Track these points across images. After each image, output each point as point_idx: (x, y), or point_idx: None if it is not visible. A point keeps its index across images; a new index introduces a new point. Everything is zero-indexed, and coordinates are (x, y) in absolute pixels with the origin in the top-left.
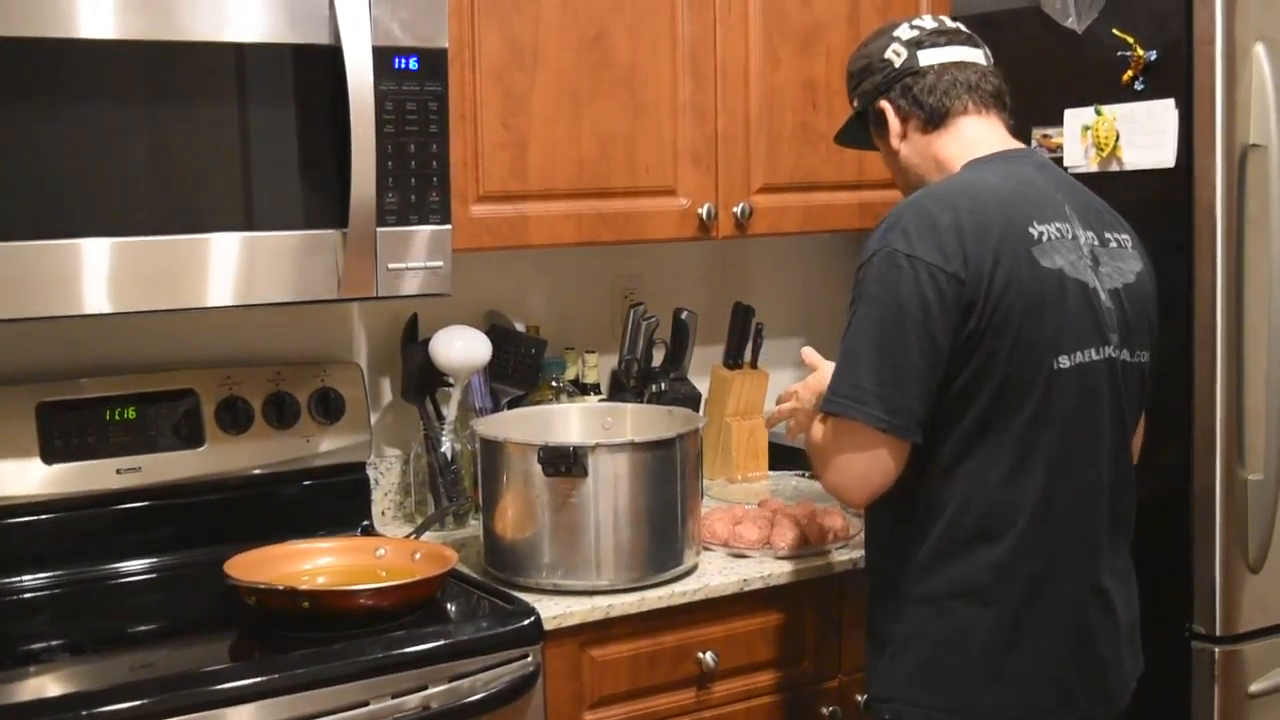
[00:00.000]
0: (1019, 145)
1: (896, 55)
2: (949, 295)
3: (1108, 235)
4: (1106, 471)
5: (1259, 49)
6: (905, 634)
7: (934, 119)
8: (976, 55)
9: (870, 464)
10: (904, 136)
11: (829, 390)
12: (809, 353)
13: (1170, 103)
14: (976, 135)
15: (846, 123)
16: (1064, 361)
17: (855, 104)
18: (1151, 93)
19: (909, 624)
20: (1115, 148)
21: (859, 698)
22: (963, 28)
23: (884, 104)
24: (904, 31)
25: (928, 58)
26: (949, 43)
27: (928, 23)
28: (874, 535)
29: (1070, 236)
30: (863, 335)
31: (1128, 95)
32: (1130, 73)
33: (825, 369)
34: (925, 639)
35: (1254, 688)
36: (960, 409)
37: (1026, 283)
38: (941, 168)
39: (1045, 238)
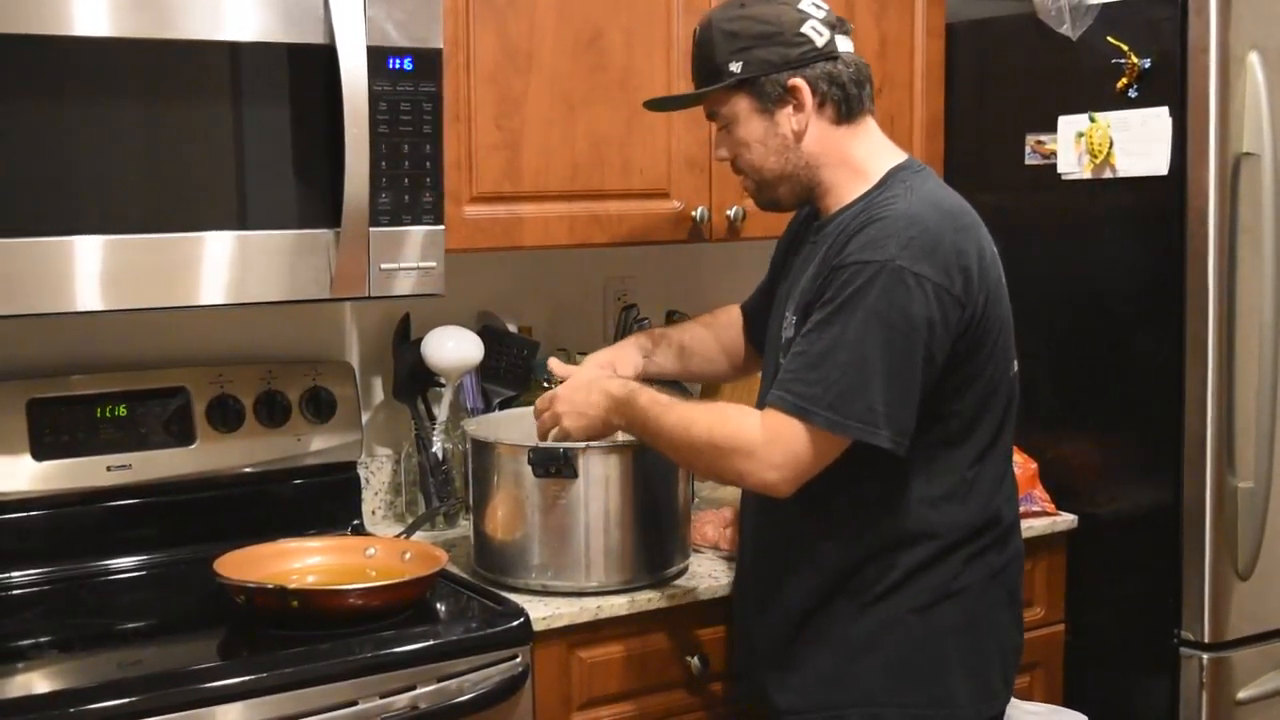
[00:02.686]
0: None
1: (816, 33)
2: (951, 317)
3: None
4: None
5: (1253, 58)
6: (869, 633)
7: (849, 113)
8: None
9: (823, 463)
10: (809, 121)
11: (826, 405)
12: (555, 364)
13: (1164, 110)
14: (880, 138)
15: (699, 94)
16: (1015, 366)
17: (736, 69)
18: (1145, 100)
19: (874, 622)
20: (1109, 155)
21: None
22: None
23: (799, 81)
24: (812, 9)
25: (844, 45)
26: (848, 34)
27: (826, 4)
28: (819, 538)
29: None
30: (871, 353)
31: (1122, 103)
32: (1125, 80)
33: (580, 371)
34: (894, 637)
35: (1242, 695)
36: (939, 416)
37: (998, 300)
38: (849, 167)
39: (995, 254)
